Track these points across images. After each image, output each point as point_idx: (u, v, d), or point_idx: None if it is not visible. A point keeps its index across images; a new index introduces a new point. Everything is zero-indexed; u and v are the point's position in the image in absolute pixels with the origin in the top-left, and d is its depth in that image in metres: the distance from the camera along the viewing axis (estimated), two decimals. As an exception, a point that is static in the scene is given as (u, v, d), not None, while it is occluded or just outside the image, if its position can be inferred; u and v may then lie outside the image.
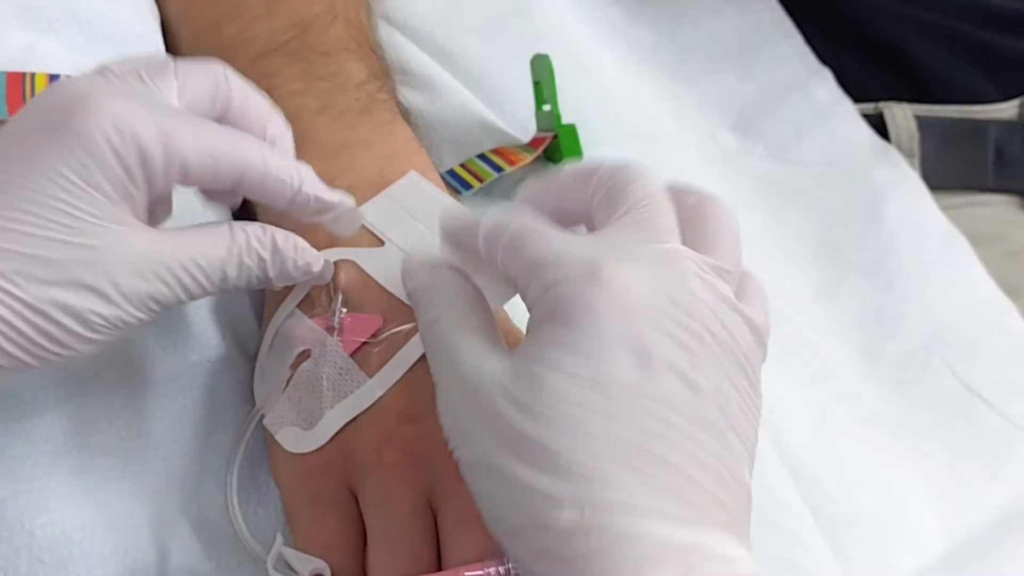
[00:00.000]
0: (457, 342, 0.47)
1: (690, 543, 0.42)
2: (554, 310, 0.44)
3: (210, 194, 0.54)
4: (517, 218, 0.48)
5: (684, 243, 0.47)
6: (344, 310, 0.54)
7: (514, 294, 0.51)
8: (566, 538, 0.41)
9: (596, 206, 0.49)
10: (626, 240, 0.47)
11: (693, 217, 0.49)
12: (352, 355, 0.53)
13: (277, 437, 0.53)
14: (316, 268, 0.53)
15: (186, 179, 0.48)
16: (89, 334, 0.46)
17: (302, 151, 0.58)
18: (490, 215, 0.49)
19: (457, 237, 0.51)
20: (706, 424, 0.44)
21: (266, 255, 0.50)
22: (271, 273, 0.51)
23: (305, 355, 0.54)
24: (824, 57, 0.82)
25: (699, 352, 0.44)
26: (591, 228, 0.50)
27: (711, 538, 0.42)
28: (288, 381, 0.54)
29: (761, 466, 0.63)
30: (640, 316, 0.44)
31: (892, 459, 0.69)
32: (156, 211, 0.51)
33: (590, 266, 0.44)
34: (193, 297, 0.49)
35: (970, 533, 0.68)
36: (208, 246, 0.49)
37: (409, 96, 0.71)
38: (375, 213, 0.57)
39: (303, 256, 0.52)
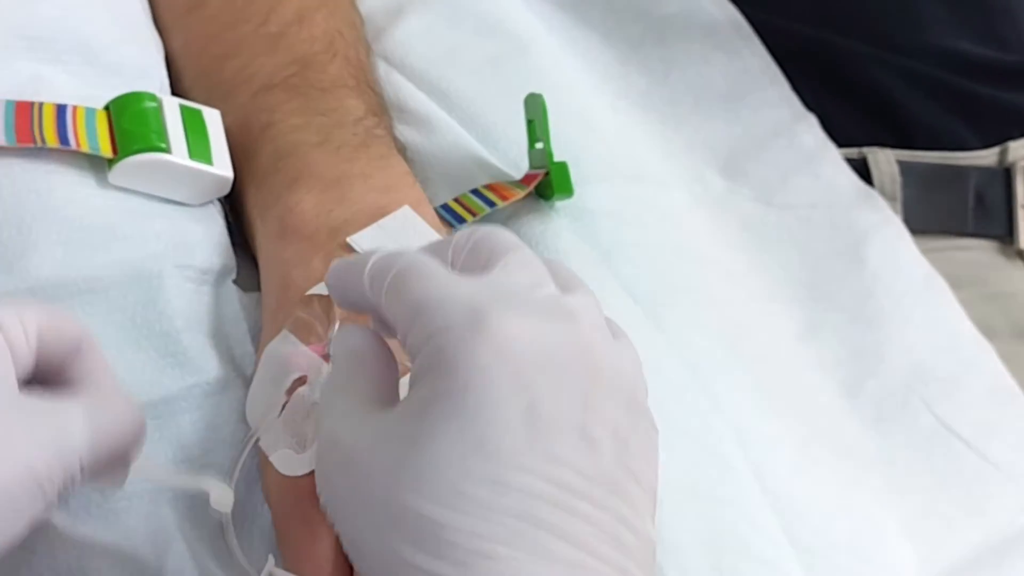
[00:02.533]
0: (334, 406, 0.45)
1: None
2: (436, 363, 0.42)
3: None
4: (402, 256, 0.45)
5: None
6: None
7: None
8: None
9: (462, 267, 0.47)
10: (510, 285, 0.44)
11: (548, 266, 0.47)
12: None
13: (271, 459, 0.55)
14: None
15: None
16: None
17: (300, 184, 0.60)
18: (377, 255, 0.46)
19: (343, 285, 0.48)
20: (604, 479, 0.41)
21: None
22: None
23: (301, 381, 0.55)
24: (810, 104, 0.84)
25: (593, 401, 0.42)
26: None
27: None
28: (284, 406, 0.55)
29: (743, 496, 0.65)
30: (529, 369, 0.41)
31: (871, 494, 0.71)
32: None
33: (474, 314, 0.41)
34: None
35: (947, 567, 0.70)
36: None
37: (406, 132, 0.73)
38: (369, 243, 0.59)
39: None
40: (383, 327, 0.48)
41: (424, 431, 0.41)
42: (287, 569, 0.53)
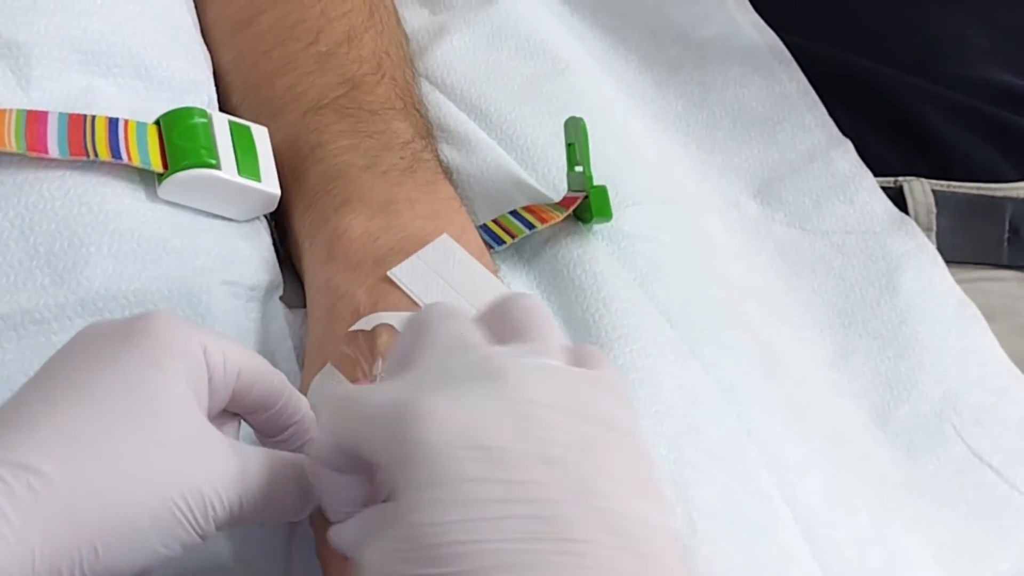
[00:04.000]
0: None
1: None
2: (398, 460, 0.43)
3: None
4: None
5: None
6: (384, 374, 0.55)
7: None
8: None
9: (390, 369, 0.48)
10: (440, 364, 0.46)
11: (496, 316, 0.48)
12: None
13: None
14: None
15: None
16: None
17: (347, 207, 0.61)
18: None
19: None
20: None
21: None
22: None
23: None
24: (846, 131, 0.84)
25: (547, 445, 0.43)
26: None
27: None
28: None
29: (777, 524, 0.65)
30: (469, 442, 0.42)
31: (902, 523, 0.71)
32: None
33: (400, 410, 0.43)
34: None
35: (977, 598, 0.70)
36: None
37: (446, 152, 0.74)
38: (410, 274, 0.59)
39: None
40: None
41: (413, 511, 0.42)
42: None
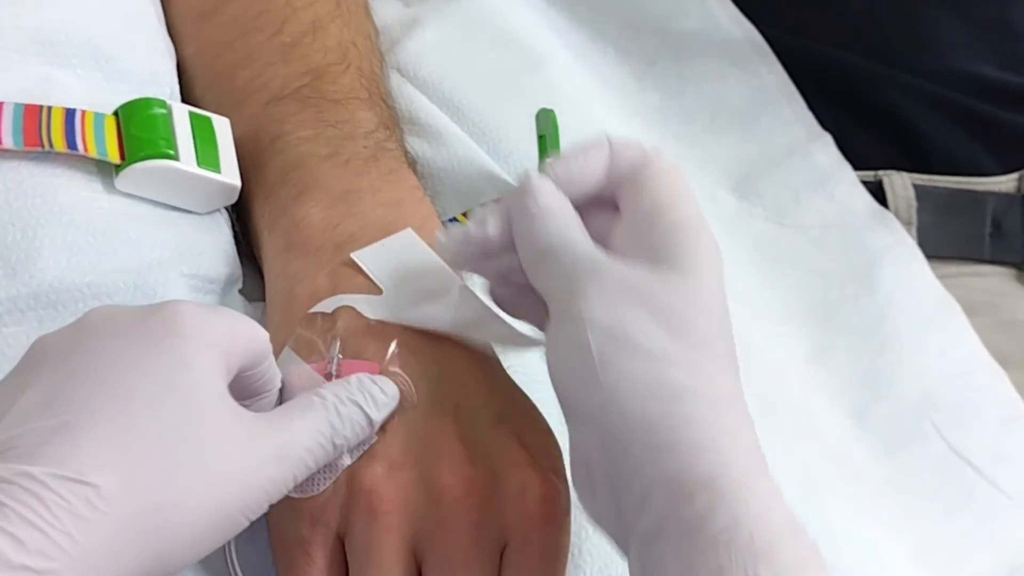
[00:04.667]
0: None
1: None
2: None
3: None
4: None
5: None
6: (341, 356, 0.55)
7: None
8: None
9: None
10: None
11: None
12: None
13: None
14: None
15: None
16: None
17: (307, 196, 0.60)
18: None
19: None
20: None
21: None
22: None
23: None
24: (826, 125, 0.83)
25: None
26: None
27: None
28: None
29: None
30: None
31: (879, 520, 0.70)
32: None
33: None
34: None
35: (956, 597, 0.69)
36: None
37: (416, 145, 0.73)
38: (374, 260, 0.58)
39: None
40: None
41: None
42: None
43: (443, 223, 0.67)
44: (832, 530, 0.68)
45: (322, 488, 0.52)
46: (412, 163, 0.67)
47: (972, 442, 0.75)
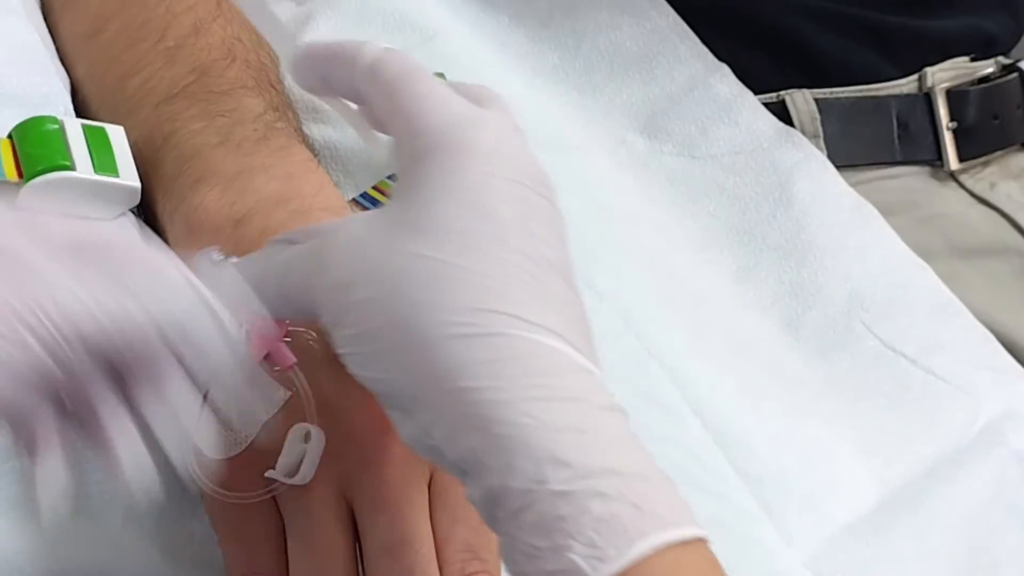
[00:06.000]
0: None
1: (585, 366, 0.44)
2: (435, 147, 0.47)
3: None
4: (398, 58, 0.51)
5: None
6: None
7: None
8: (464, 346, 0.43)
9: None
10: None
11: None
12: (260, 362, 0.56)
13: (204, 449, 0.55)
14: None
15: None
16: None
17: (202, 183, 0.61)
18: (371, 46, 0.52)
19: (325, 65, 0.53)
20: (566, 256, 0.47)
21: None
22: None
23: None
24: (722, 56, 0.85)
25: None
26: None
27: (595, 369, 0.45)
28: (205, 395, 0.56)
29: (684, 434, 0.66)
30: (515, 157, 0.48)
31: (820, 420, 0.72)
32: None
33: (470, 116, 0.48)
34: None
35: (902, 481, 0.70)
36: None
37: (322, 132, 0.74)
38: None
39: None
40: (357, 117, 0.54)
41: (432, 196, 0.46)
42: (221, 548, 0.54)
43: (355, 199, 0.69)
44: (773, 435, 0.69)
45: (242, 447, 0.54)
46: (309, 143, 0.68)
47: (904, 335, 0.76)
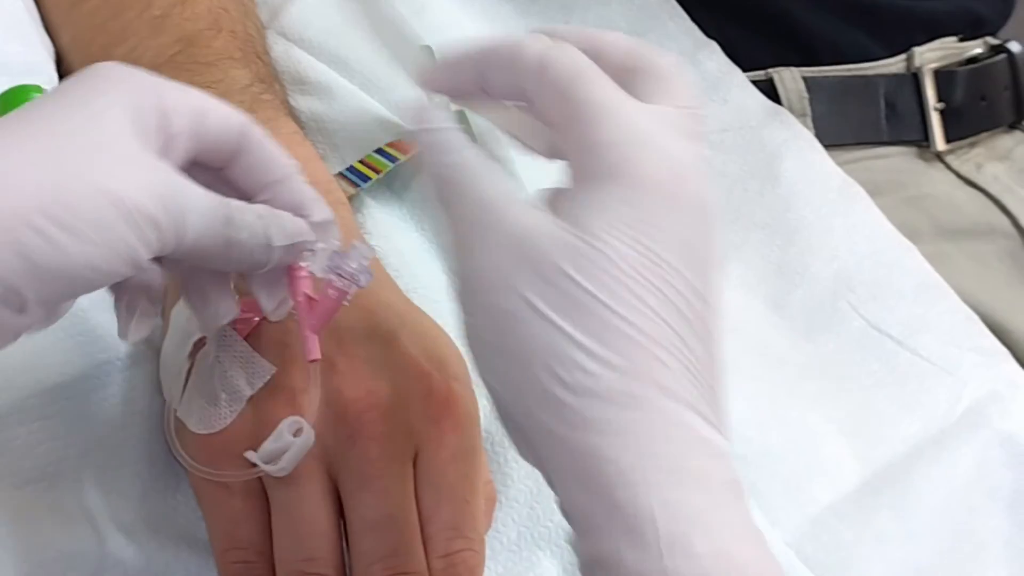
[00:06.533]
0: (494, 187, 0.46)
1: (713, 440, 0.43)
2: (612, 173, 0.45)
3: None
4: (567, 55, 0.47)
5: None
6: (237, 296, 0.56)
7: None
8: (598, 401, 0.42)
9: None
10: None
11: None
12: (245, 337, 0.55)
13: (189, 425, 0.55)
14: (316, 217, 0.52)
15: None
16: None
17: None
18: (533, 40, 0.48)
19: (488, 62, 0.50)
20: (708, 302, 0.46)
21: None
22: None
23: (202, 343, 0.56)
24: (711, 32, 0.84)
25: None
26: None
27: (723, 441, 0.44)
28: (189, 371, 0.56)
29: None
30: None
31: (805, 401, 0.72)
32: None
33: (646, 139, 0.45)
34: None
35: (886, 462, 0.70)
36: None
37: (308, 104, 0.74)
38: None
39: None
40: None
41: (607, 231, 0.43)
42: (206, 525, 0.54)
43: (342, 172, 0.69)
44: (758, 415, 0.69)
45: (228, 421, 0.53)
46: (295, 115, 0.68)
47: (889, 316, 0.76)
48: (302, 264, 0.52)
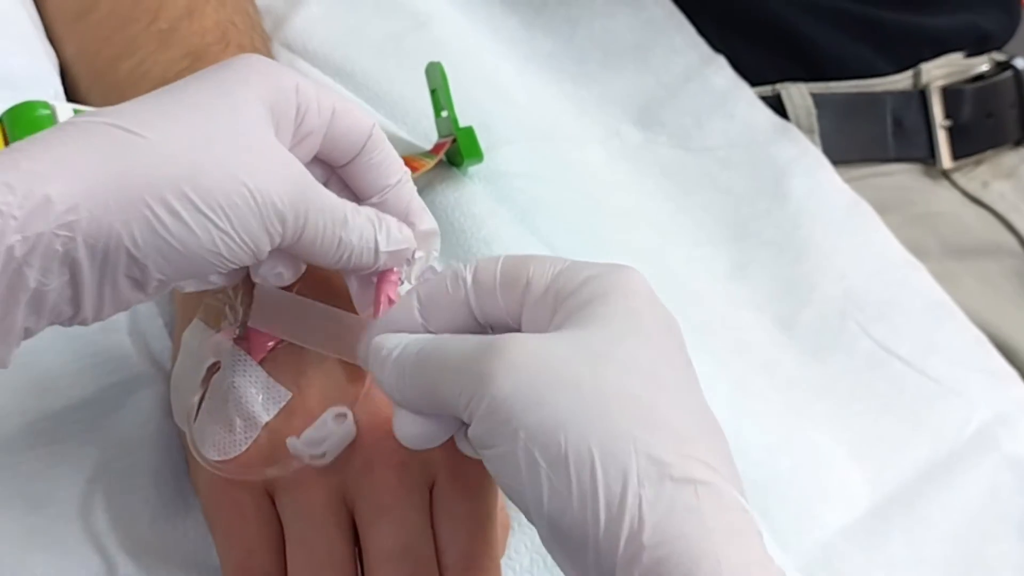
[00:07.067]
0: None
1: (744, 506, 0.43)
2: (610, 288, 0.47)
3: None
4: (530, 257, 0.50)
5: None
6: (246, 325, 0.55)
7: None
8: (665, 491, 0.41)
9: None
10: None
11: None
12: (260, 362, 0.54)
13: (201, 449, 0.54)
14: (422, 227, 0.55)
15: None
16: None
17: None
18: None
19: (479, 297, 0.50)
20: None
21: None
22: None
23: (216, 367, 0.55)
24: (718, 46, 0.84)
25: None
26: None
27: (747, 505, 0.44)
28: (203, 396, 0.55)
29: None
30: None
31: (814, 422, 0.71)
32: None
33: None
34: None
35: (896, 485, 0.70)
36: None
37: (312, 118, 0.73)
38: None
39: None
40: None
41: (620, 334, 0.45)
42: (219, 553, 0.53)
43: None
44: (768, 438, 0.69)
45: (243, 448, 0.53)
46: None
47: (898, 336, 0.76)
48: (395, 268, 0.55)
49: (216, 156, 0.45)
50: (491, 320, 0.49)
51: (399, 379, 0.48)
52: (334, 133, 0.51)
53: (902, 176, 0.88)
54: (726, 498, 0.42)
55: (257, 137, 0.47)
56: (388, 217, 0.53)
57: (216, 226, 0.45)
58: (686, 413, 0.44)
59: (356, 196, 0.54)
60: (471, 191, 0.70)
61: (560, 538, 0.43)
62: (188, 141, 0.45)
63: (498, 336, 0.45)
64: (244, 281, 0.56)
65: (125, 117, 0.45)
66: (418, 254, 0.54)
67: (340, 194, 0.52)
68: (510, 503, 0.58)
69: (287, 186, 0.47)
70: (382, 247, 0.52)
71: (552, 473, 0.42)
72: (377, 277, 0.54)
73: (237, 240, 0.46)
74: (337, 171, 0.54)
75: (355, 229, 0.51)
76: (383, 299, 0.54)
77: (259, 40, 0.70)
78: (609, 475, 0.41)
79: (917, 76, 0.89)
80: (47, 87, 0.66)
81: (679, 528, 0.41)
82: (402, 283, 0.55)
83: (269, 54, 0.71)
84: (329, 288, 0.56)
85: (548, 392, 0.43)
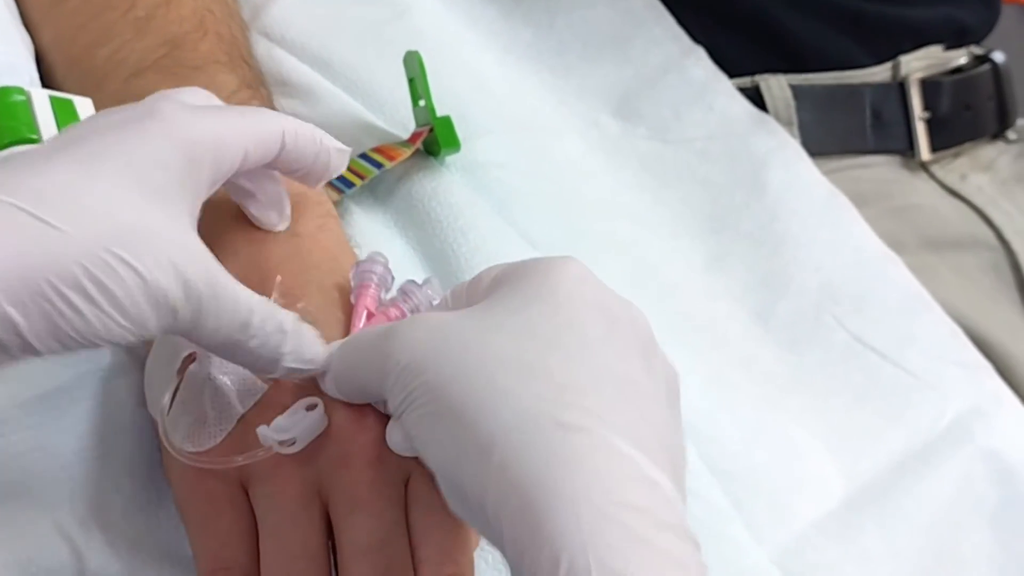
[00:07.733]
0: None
1: (655, 479, 0.43)
2: (528, 270, 0.49)
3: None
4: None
5: None
6: None
7: None
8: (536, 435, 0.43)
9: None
10: None
11: None
12: None
13: (173, 440, 0.54)
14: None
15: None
16: None
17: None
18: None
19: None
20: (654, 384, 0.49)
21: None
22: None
23: (191, 359, 0.55)
24: (698, 38, 0.84)
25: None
26: None
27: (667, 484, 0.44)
28: (178, 387, 0.55)
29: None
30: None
31: (790, 415, 0.71)
32: None
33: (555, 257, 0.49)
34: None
35: (870, 477, 0.70)
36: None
37: (291, 106, 0.73)
38: None
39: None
40: None
41: (521, 305, 0.47)
42: (191, 544, 0.52)
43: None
44: (743, 430, 0.69)
45: (217, 440, 0.52)
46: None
47: (874, 328, 0.76)
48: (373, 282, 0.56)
49: (109, 235, 0.43)
50: None
51: (332, 375, 0.51)
52: (252, 160, 0.51)
53: (881, 168, 0.88)
54: (600, 443, 0.43)
55: (158, 210, 0.45)
56: (307, 329, 0.51)
57: (106, 313, 0.43)
58: (579, 369, 0.45)
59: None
60: (448, 181, 0.70)
61: (451, 493, 0.46)
62: (92, 228, 0.43)
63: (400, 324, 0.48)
64: None
65: (25, 194, 0.43)
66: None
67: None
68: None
69: (185, 275, 0.45)
70: (285, 362, 0.50)
71: (436, 430, 0.45)
72: (356, 291, 0.56)
73: (128, 326, 0.44)
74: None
75: (256, 335, 0.48)
76: (360, 310, 0.55)
77: (236, 28, 0.70)
78: (480, 426, 0.43)
79: (896, 68, 0.89)
80: (23, 73, 0.66)
81: (543, 471, 0.42)
82: (387, 291, 0.57)
83: (248, 43, 0.71)
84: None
85: (437, 356, 0.46)
